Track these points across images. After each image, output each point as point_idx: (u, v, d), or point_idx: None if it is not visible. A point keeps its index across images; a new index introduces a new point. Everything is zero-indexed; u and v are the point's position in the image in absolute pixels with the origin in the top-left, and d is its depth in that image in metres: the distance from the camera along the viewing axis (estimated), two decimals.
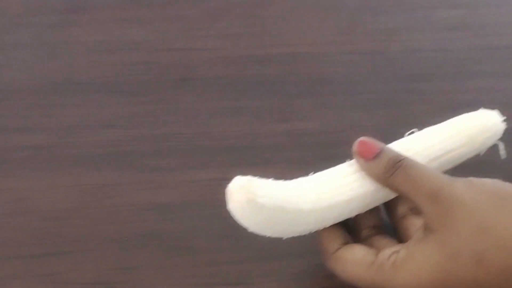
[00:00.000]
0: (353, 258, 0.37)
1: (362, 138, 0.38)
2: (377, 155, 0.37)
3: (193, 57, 0.63)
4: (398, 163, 0.36)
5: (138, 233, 0.48)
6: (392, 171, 0.36)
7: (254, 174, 0.51)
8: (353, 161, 0.39)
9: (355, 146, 0.38)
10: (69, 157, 0.53)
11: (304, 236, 0.40)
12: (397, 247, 0.37)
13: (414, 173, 0.36)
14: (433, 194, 0.34)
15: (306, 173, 0.40)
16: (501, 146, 0.42)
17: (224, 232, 0.46)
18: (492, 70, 0.62)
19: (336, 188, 0.37)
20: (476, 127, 0.41)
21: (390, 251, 0.37)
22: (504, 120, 0.42)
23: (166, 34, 0.65)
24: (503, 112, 0.58)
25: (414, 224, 0.38)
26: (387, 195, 0.39)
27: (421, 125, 0.54)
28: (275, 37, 0.65)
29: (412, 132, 0.41)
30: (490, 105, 0.58)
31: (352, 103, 0.58)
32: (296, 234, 0.38)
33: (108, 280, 0.45)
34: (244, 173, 0.51)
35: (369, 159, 0.37)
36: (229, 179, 0.38)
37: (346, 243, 0.39)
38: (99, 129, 0.55)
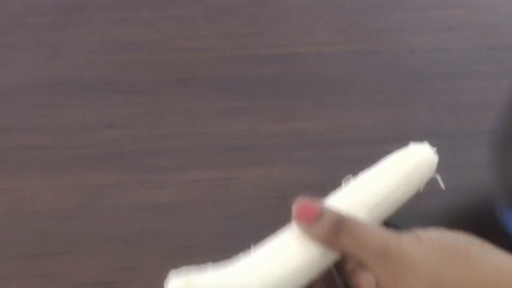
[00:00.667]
0: None
1: (300, 201, 0.36)
2: (317, 217, 0.35)
3: (193, 57, 0.63)
4: (341, 224, 0.34)
5: (138, 233, 0.48)
6: (335, 233, 0.34)
7: (254, 174, 0.51)
8: (294, 226, 0.36)
9: (294, 210, 0.35)
10: (69, 157, 0.53)
11: None
12: None
13: (358, 233, 0.34)
14: (381, 253, 0.33)
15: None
16: (439, 178, 0.40)
17: (224, 232, 0.46)
18: (492, 70, 0.62)
19: (283, 260, 0.35)
20: (410, 164, 0.39)
21: None
22: (436, 152, 0.40)
23: (166, 34, 0.65)
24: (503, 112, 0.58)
25: (365, 280, 0.37)
26: (336, 255, 0.36)
27: (421, 125, 0.54)
28: (275, 37, 0.65)
29: (348, 179, 0.39)
30: (490, 105, 0.58)
31: (352, 103, 0.58)
32: None
33: (108, 280, 0.45)
34: (243, 173, 0.51)
35: (310, 222, 0.35)
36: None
37: None
38: (99, 129, 0.55)
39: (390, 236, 0.34)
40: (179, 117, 0.56)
